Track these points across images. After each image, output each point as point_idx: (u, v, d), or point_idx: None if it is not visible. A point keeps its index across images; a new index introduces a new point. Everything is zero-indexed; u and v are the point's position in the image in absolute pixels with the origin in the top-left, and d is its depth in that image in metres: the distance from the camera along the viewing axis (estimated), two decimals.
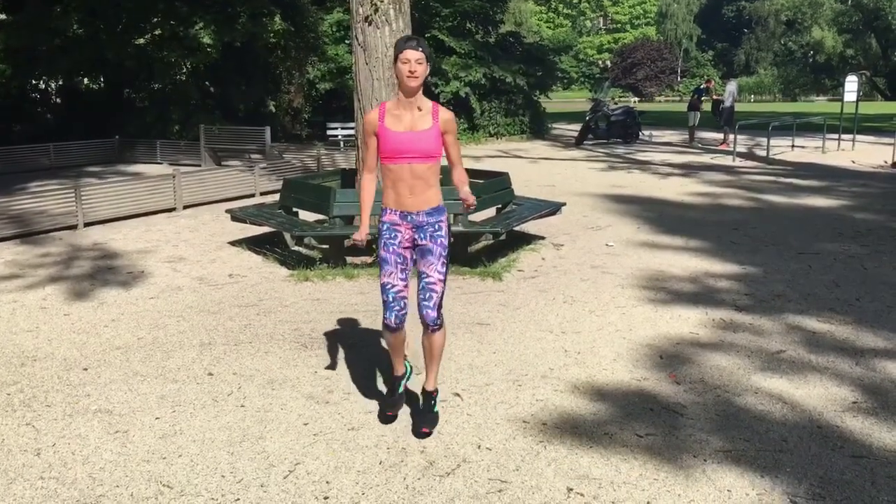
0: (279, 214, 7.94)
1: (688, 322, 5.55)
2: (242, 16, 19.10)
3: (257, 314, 5.87)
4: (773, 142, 17.25)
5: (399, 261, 3.71)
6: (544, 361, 4.80)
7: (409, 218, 3.70)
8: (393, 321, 3.71)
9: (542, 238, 8.50)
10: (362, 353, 4.98)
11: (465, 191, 3.63)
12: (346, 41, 21.63)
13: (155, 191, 10.66)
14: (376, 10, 7.52)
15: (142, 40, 19.02)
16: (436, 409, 3.92)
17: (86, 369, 4.76)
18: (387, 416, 3.98)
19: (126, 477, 3.45)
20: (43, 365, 4.85)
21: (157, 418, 4.05)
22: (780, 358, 4.82)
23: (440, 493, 3.29)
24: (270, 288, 6.63)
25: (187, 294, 6.47)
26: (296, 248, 7.83)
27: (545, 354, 4.93)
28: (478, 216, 7.95)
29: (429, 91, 20.48)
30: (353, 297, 6.29)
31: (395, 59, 3.58)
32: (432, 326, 3.72)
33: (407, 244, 3.74)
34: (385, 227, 3.73)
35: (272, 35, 19.54)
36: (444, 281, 3.71)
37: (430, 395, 3.92)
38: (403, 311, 3.71)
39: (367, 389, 4.41)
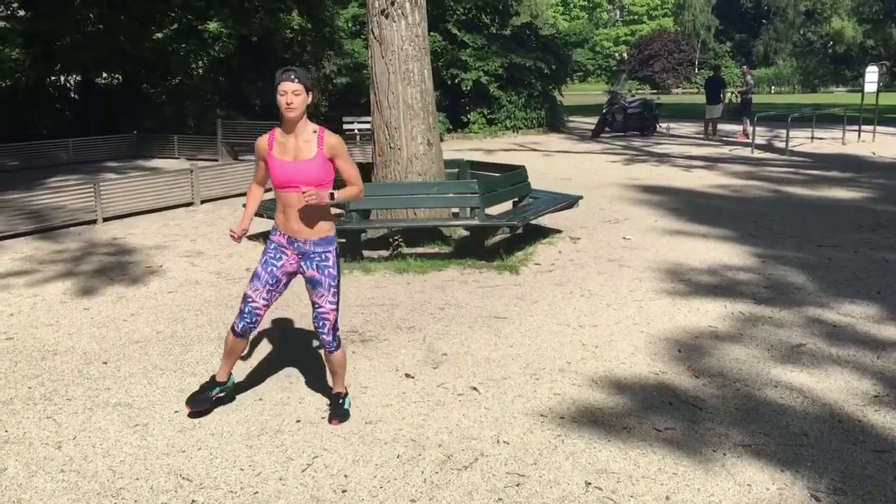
0: None
1: (706, 315, 5.51)
2: (259, 10, 19.15)
3: (274, 308, 5.88)
4: (792, 133, 17.08)
5: (271, 282, 3.82)
6: (562, 355, 4.79)
7: (295, 244, 3.76)
8: (239, 329, 3.85)
9: (559, 231, 8.47)
10: (379, 348, 4.98)
11: (324, 192, 3.62)
12: (362, 36, 21.60)
13: (173, 185, 10.72)
14: (392, 3, 7.52)
15: (159, 34, 19.11)
16: (346, 407, 3.99)
17: (105, 363, 4.80)
18: (190, 413, 3.96)
19: (146, 470, 3.47)
20: (63, 359, 4.89)
21: (175, 412, 4.07)
22: (801, 351, 4.78)
23: (458, 486, 3.29)
24: None
25: (205, 288, 6.50)
26: None
27: (563, 348, 4.91)
28: (494, 209, 7.93)
29: (446, 81, 20.44)
30: (370, 290, 6.30)
31: (276, 90, 3.62)
32: (329, 348, 3.87)
33: (290, 269, 3.82)
34: (272, 246, 3.84)
35: (288, 30, 19.57)
36: (337, 308, 3.84)
37: (338, 395, 4.02)
38: (252, 325, 3.85)
39: (384, 384, 4.41)
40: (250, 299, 3.82)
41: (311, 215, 3.70)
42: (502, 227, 7.21)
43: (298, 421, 3.94)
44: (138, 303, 6.13)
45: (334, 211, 3.74)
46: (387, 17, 7.58)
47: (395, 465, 3.48)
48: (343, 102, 23.29)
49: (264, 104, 21.38)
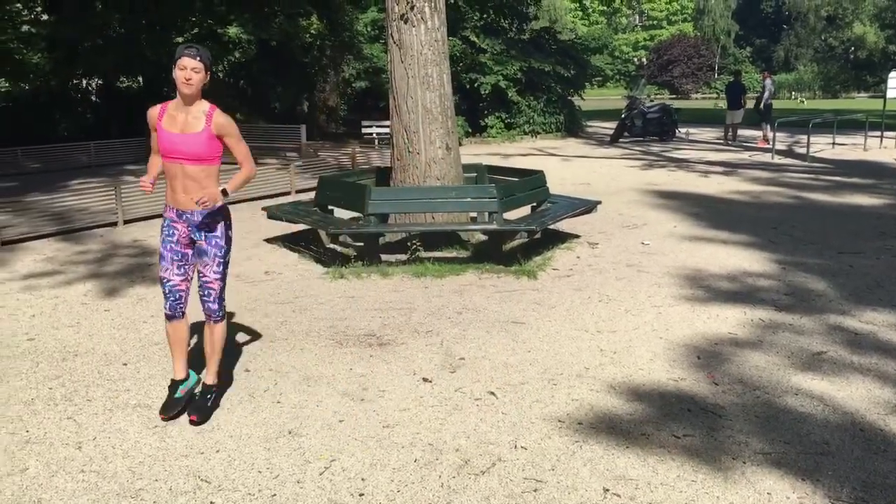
0: (314, 212, 7.99)
1: (726, 321, 5.47)
2: (279, 15, 19.28)
3: (293, 311, 5.91)
4: (813, 139, 16.95)
5: (176, 258, 3.92)
6: (580, 360, 4.77)
7: (184, 217, 3.87)
8: (168, 309, 3.97)
9: (578, 236, 8.45)
10: (396, 352, 4.99)
11: (211, 192, 3.70)
12: (381, 40, 21.68)
13: None
14: (412, 8, 7.53)
15: (180, 39, 19.28)
16: (210, 404, 4.06)
17: (125, 364, 4.84)
18: (164, 418, 4.00)
19: (165, 471, 3.49)
20: (84, 360, 4.93)
21: None
22: (822, 358, 4.74)
23: (475, 491, 3.28)
24: (306, 285, 6.67)
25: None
26: (331, 245, 7.88)
27: (581, 353, 4.89)
28: (512, 214, 7.93)
29: (465, 86, 20.47)
30: (388, 294, 6.31)
31: (174, 64, 3.68)
32: (214, 317, 4.00)
33: (185, 241, 3.93)
34: (165, 223, 3.93)
35: (308, 35, 19.69)
36: (222, 279, 3.96)
37: (208, 388, 4.11)
38: (178, 303, 3.97)
39: (402, 388, 4.41)
40: (165, 279, 3.94)
41: (194, 187, 3.78)
42: (520, 231, 7.20)
43: (316, 423, 3.95)
44: (158, 304, 6.17)
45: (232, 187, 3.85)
46: (406, 21, 7.60)
47: (413, 469, 3.48)
48: (362, 106, 23.43)
49: (284, 108, 21.54)
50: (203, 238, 3.88)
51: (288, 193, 11.95)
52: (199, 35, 19.32)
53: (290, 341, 5.22)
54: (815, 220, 9.29)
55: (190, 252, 3.95)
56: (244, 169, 3.91)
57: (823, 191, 11.58)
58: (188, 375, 4.14)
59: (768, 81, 19.82)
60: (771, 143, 17.21)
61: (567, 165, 15.45)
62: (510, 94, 21.11)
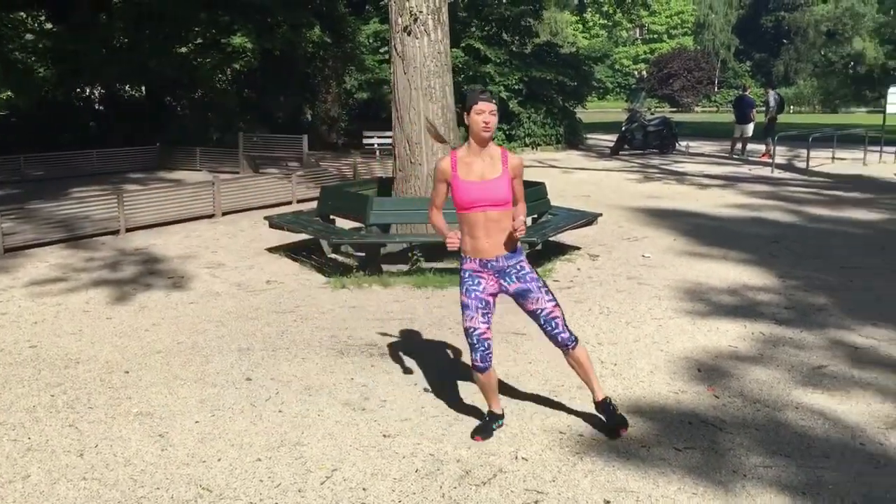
0: (316, 222, 8.02)
1: (726, 335, 5.48)
2: (283, 25, 19.36)
3: (294, 321, 5.93)
4: (813, 153, 17.00)
5: (480, 305, 3.75)
6: None
7: (489, 265, 3.73)
8: (479, 361, 3.77)
9: (578, 248, 8.47)
10: (397, 361, 4.99)
11: (519, 220, 3.65)
12: (382, 51, 21.75)
13: (195, 197, 10.83)
14: (415, 21, 7.58)
15: (184, 49, 19.35)
16: (619, 413, 3.95)
17: (127, 372, 4.85)
18: (479, 440, 3.90)
19: (166, 479, 3.50)
20: (86, 367, 4.94)
21: (196, 422, 4.11)
22: (822, 373, 4.75)
23: (476, 502, 3.29)
24: (307, 295, 6.69)
25: (226, 300, 6.55)
26: (332, 255, 7.89)
27: None
28: None
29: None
30: (389, 304, 6.32)
31: (468, 109, 3.62)
32: (571, 345, 3.81)
33: (492, 290, 3.78)
34: (467, 274, 3.78)
35: (310, 45, 19.77)
36: (557, 304, 3.80)
37: (604, 405, 3.93)
38: (488, 352, 3.77)
39: (403, 397, 4.42)
40: (472, 328, 3.75)
41: (496, 230, 3.69)
42: (521, 243, 7.19)
43: (318, 433, 3.96)
44: (160, 313, 6.19)
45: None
46: (409, 34, 7.65)
47: (414, 479, 3.49)
48: (363, 117, 23.48)
49: (286, 117, 21.61)
50: (517, 280, 3.76)
51: (290, 203, 11.97)
52: (203, 45, 19.40)
53: (292, 350, 5.23)
54: (815, 234, 9.32)
55: (492, 301, 3.80)
56: (522, 204, 3.83)
57: (823, 205, 11.61)
58: (503, 413, 4.05)
59: (772, 95, 19.87)
60: (771, 157, 17.25)
61: (567, 177, 15.49)
62: (511, 106, 21.15)
